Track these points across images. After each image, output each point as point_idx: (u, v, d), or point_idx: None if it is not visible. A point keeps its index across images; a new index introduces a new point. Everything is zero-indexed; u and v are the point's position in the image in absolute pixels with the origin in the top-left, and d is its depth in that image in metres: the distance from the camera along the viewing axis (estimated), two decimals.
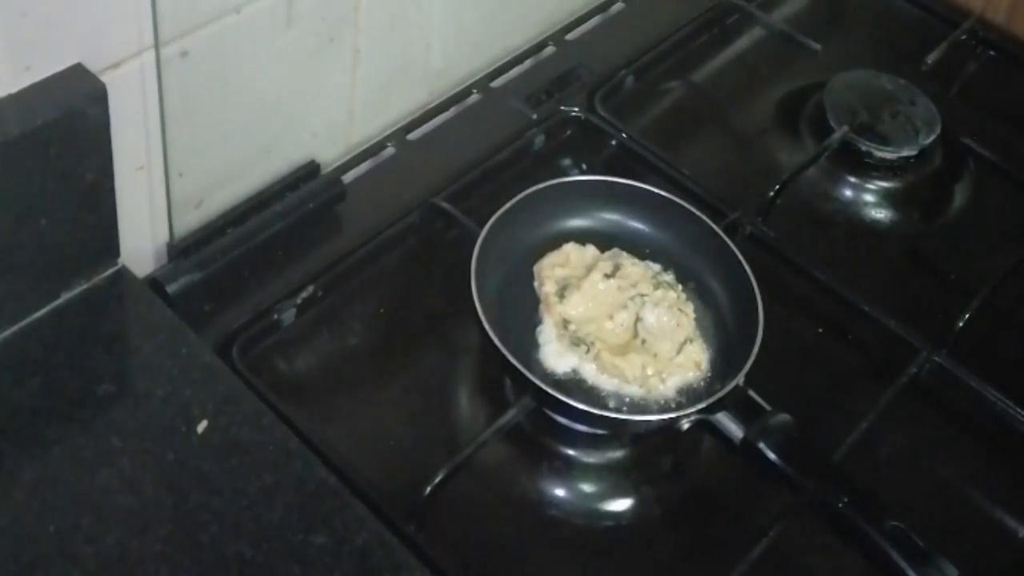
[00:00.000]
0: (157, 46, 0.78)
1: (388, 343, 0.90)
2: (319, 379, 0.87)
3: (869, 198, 1.08)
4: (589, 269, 0.90)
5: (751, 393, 0.83)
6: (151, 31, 0.77)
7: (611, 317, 0.87)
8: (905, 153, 1.08)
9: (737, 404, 0.82)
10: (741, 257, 0.89)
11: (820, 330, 0.96)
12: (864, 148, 1.07)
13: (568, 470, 0.85)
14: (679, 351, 0.86)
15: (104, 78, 0.75)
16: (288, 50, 0.88)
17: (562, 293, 0.88)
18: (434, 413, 0.87)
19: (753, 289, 0.87)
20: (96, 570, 0.69)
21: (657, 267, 0.91)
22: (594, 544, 0.82)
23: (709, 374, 0.87)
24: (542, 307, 0.88)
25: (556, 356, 0.86)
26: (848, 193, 1.08)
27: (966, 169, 1.11)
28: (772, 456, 0.80)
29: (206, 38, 0.81)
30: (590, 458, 0.86)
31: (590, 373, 0.85)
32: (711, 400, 0.81)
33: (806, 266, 0.97)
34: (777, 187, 1.01)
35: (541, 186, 0.92)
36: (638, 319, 0.88)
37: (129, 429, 0.75)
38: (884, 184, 1.08)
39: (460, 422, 0.87)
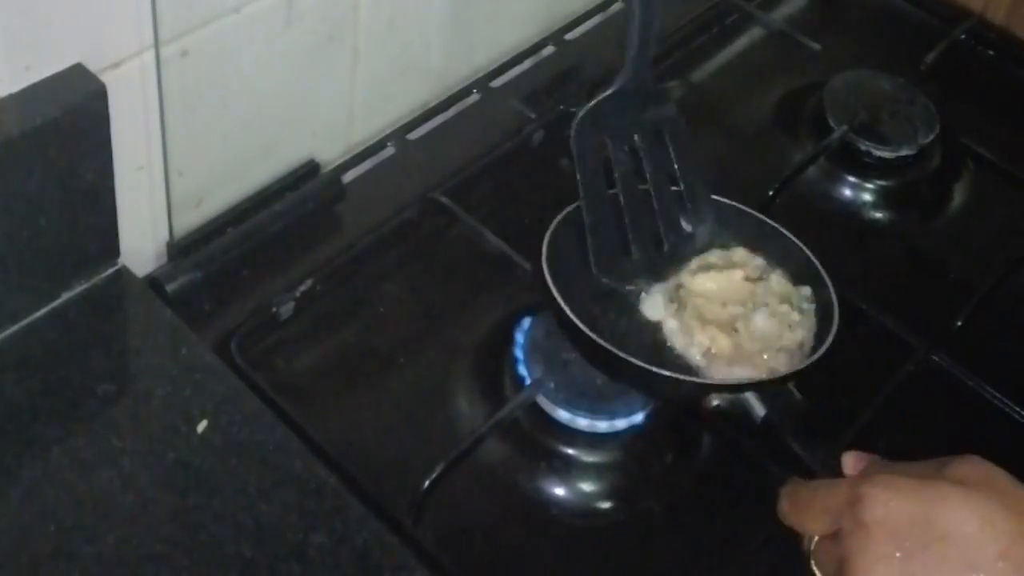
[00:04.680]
0: (157, 46, 0.78)
1: (387, 340, 0.90)
2: (319, 377, 0.87)
3: (868, 197, 1.08)
4: (735, 265, 0.89)
5: (790, 386, 0.81)
6: (151, 31, 0.77)
7: (724, 305, 0.86)
8: (904, 153, 1.08)
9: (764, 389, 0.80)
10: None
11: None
12: (863, 148, 1.07)
13: (568, 469, 0.85)
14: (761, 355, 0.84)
15: (104, 78, 0.75)
16: (288, 50, 0.88)
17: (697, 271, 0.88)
18: (433, 411, 0.86)
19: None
20: (96, 570, 0.69)
21: (808, 291, 0.89)
22: (594, 543, 0.82)
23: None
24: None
25: (652, 305, 0.86)
26: (847, 192, 1.08)
27: (965, 169, 1.11)
28: (790, 441, 0.79)
29: (206, 38, 0.81)
30: (590, 457, 0.86)
31: (671, 330, 0.84)
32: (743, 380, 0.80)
33: None
34: (776, 187, 1.01)
35: None
36: (748, 317, 0.86)
37: (129, 429, 0.75)
38: (883, 183, 1.08)
39: (459, 420, 0.87)
